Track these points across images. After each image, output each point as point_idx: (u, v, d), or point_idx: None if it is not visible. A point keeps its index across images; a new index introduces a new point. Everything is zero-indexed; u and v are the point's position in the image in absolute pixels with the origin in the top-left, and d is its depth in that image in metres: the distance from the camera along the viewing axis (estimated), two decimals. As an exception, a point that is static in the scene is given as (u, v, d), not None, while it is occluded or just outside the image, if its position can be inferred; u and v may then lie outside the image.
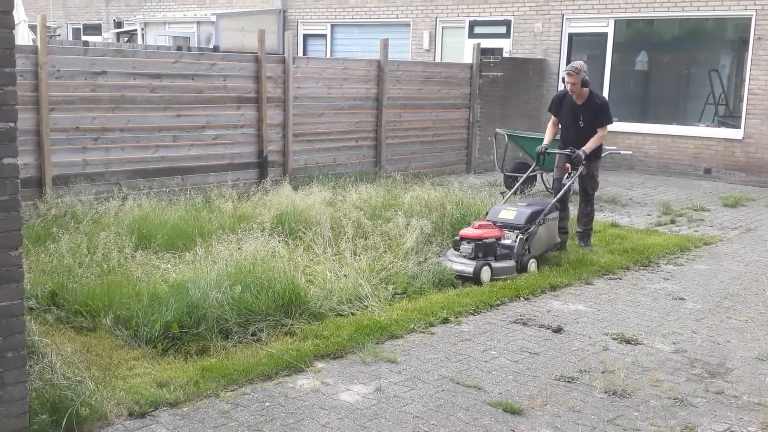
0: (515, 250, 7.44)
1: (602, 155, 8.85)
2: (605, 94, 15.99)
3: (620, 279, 7.55)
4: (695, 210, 11.36)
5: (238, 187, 10.54)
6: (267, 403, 4.53)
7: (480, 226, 7.53)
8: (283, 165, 11.74)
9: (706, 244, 9.16)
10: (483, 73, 14.79)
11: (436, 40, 18.39)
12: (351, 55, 18.81)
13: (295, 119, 11.82)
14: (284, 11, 20.79)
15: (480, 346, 5.60)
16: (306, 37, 20.79)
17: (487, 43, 16.00)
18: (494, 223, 7.74)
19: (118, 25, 22.96)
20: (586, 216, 8.59)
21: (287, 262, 6.44)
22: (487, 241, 7.35)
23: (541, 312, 6.43)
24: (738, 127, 14.61)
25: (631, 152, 14.77)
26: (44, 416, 3.95)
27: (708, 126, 15.12)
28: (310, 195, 9.35)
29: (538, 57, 16.48)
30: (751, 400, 4.82)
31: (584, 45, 16.73)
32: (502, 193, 9.21)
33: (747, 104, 14.37)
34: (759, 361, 5.47)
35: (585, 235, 8.62)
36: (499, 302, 6.58)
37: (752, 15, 14.23)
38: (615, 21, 15.85)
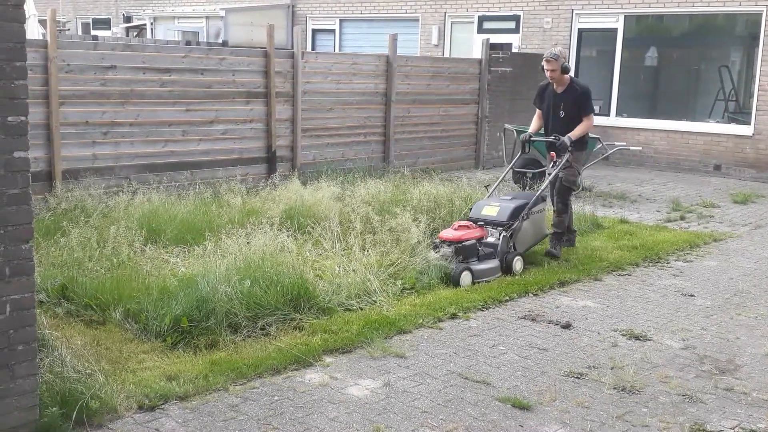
0: (499, 249, 7.15)
1: (608, 153, 8.70)
2: (614, 89, 15.98)
3: (629, 275, 7.53)
4: (705, 206, 11.33)
5: (247, 182, 10.57)
6: (276, 397, 4.54)
7: (459, 227, 7.21)
8: (292, 160, 11.75)
9: (715, 240, 9.13)
10: (492, 69, 14.76)
11: (445, 36, 18.36)
12: (359, 50, 18.79)
13: (304, 114, 11.82)
14: (293, 6, 20.79)
15: (488, 342, 5.60)
16: (315, 32, 20.80)
17: (496, 39, 15.96)
18: (476, 221, 7.43)
19: (128, 19, 22.99)
20: (557, 215, 7.99)
21: (296, 257, 6.46)
22: (467, 243, 7.00)
23: (549, 308, 6.42)
24: (748, 123, 14.55)
25: (640, 148, 14.70)
26: (54, 409, 3.97)
27: (718, 122, 15.07)
28: (318, 190, 9.35)
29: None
30: (761, 397, 4.80)
31: (594, 40, 16.67)
32: (486, 187, 8.70)
33: (757, 100, 14.31)
34: (769, 358, 5.46)
35: (554, 238, 7.96)
36: (507, 298, 6.57)
37: (763, 11, 14.16)
38: (625, 16, 15.80)
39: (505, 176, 8.87)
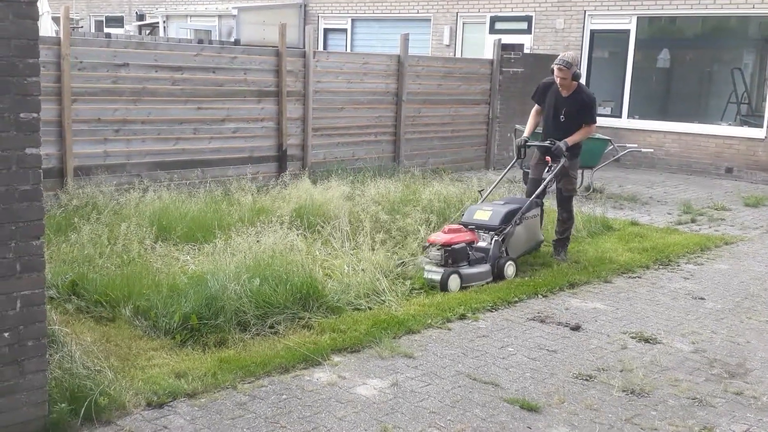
0: (490, 253, 7.01)
1: (620, 154, 8.60)
2: (626, 91, 15.93)
3: (639, 277, 7.51)
4: (716, 209, 11.27)
5: (257, 181, 10.58)
6: (284, 396, 4.55)
7: (449, 231, 7.05)
8: (302, 159, 11.77)
9: (726, 243, 9.08)
10: (503, 69, 14.73)
11: (457, 36, 18.35)
12: (371, 50, 18.79)
13: (315, 113, 11.83)
14: (305, 5, 20.82)
15: (497, 343, 5.59)
16: (326, 31, 20.83)
17: (508, 39, 15.92)
18: (467, 225, 7.29)
19: (141, 17, 23.08)
20: (563, 223, 7.87)
21: (305, 256, 6.47)
22: (456, 246, 6.85)
23: (559, 309, 6.41)
24: (760, 126, 14.47)
25: (651, 150, 14.66)
26: (63, 405, 3.98)
27: (730, 125, 14.99)
28: (328, 189, 9.36)
29: (560, 54, 16.38)
30: (771, 402, 4.78)
31: (606, 42, 16.62)
32: (480, 191, 8.54)
33: (770, 103, 14.25)
34: (779, 363, 5.43)
35: (560, 245, 7.89)
36: (516, 299, 6.56)
37: (777, 13, 14.09)
38: (637, 18, 15.74)
39: (500, 181, 8.73)
